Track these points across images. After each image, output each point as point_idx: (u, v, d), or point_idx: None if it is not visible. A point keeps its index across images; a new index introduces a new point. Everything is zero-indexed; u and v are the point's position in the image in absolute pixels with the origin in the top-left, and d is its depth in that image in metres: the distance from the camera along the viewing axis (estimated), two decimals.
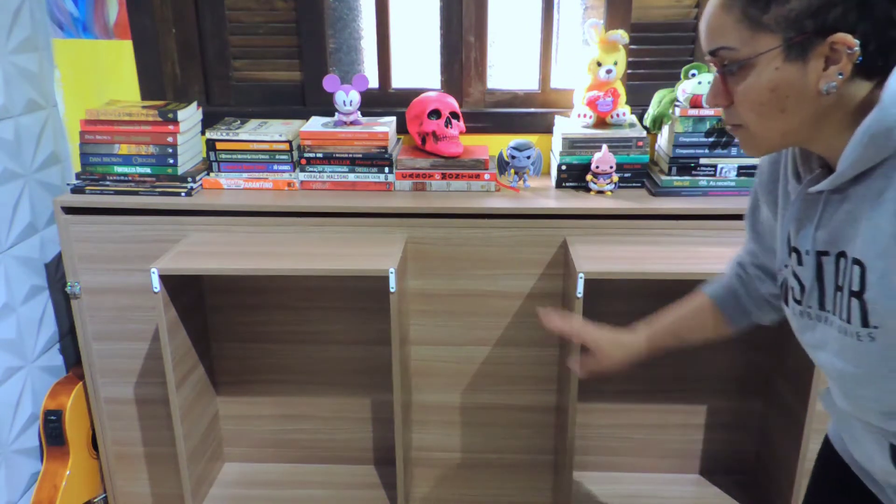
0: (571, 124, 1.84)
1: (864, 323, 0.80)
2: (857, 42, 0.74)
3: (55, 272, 1.92)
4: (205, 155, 1.89)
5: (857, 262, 0.79)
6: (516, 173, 1.82)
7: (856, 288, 0.80)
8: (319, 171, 1.82)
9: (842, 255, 0.82)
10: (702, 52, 0.85)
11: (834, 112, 0.78)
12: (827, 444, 1.08)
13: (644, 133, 1.80)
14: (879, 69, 0.76)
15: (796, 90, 0.77)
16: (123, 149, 1.77)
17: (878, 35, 0.74)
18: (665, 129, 1.81)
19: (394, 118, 1.91)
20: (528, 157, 1.80)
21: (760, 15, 0.76)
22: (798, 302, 0.91)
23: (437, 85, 1.99)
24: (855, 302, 0.80)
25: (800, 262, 0.89)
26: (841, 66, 0.75)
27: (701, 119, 1.72)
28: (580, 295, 1.56)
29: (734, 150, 1.74)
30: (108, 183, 1.78)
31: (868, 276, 0.78)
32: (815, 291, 0.87)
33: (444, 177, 1.81)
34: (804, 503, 1.13)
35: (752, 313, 1.16)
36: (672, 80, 1.80)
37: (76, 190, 1.78)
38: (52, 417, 1.83)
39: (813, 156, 0.88)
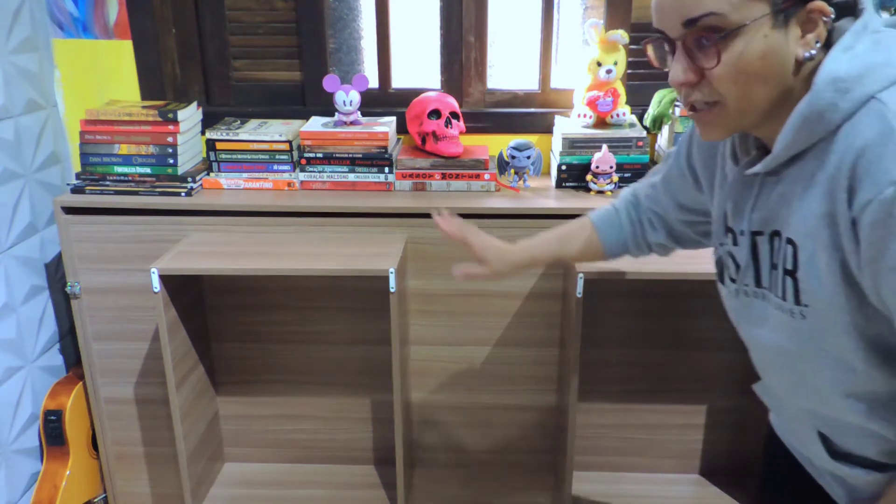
0: (571, 124, 1.84)
1: (797, 301, 0.83)
2: (832, 10, 0.76)
3: (55, 272, 1.92)
4: (205, 155, 1.89)
5: (790, 241, 0.82)
6: (516, 173, 1.82)
7: (789, 266, 0.83)
8: (319, 171, 1.82)
9: (776, 234, 0.85)
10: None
11: (798, 85, 0.79)
12: (771, 431, 1.11)
13: (644, 133, 1.80)
14: (831, 43, 0.78)
15: (780, 58, 0.77)
16: (123, 149, 1.77)
17: (842, 5, 0.78)
18: (665, 129, 1.81)
19: (394, 118, 1.91)
20: (528, 157, 1.80)
21: None
22: (734, 280, 0.94)
23: (437, 85, 1.99)
24: (789, 280, 0.83)
25: (735, 243, 0.92)
26: (817, 33, 0.77)
27: None
28: (580, 295, 1.56)
29: None
30: (108, 183, 1.78)
31: (799, 256, 0.81)
32: (751, 270, 0.90)
33: (444, 177, 1.81)
34: (760, 489, 1.16)
35: (630, 250, 1.23)
36: None
37: (76, 190, 1.78)
38: (52, 417, 1.83)
39: (750, 138, 0.90)
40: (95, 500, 1.98)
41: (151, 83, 1.92)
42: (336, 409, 1.98)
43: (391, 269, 1.55)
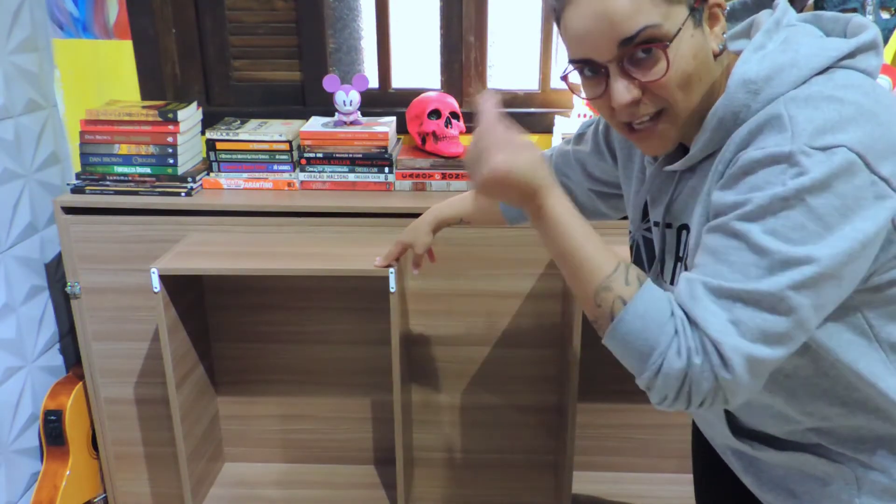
0: (571, 124, 1.84)
1: None
2: (726, 3, 0.80)
3: (55, 272, 1.92)
4: (205, 155, 1.88)
5: (690, 231, 0.85)
6: None
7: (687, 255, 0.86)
8: (319, 171, 1.82)
9: (684, 227, 0.88)
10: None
11: (718, 84, 0.83)
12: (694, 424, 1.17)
13: None
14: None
15: (706, 55, 0.80)
16: (123, 149, 1.77)
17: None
18: None
19: (394, 118, 1.91)
20: None
21: None
22: (648, 267, 0.98)
23: (437, 85, 1.99)
24: (683, 269, 0.87)
25: (650, 232, 0.96)
26: (721, 25, 0.81)
27: None
28: None
29: None
30: (108, 183, 1.78)
31: (689, 241, 0.84)
32: (659, 261, 0.94)
33: (444, 177, 1.81)
34: (694, 470, 1.22)
35: (528, 219, 1.25)
36: None
37: (76, 190, 1.78)
38: (52, 417, 1.83)
39: None
40: (95, 500, 1.98)
41: (151, 83, 1.92)
42: (336, 409, 1.98)
43: (391, 269, 1.55)
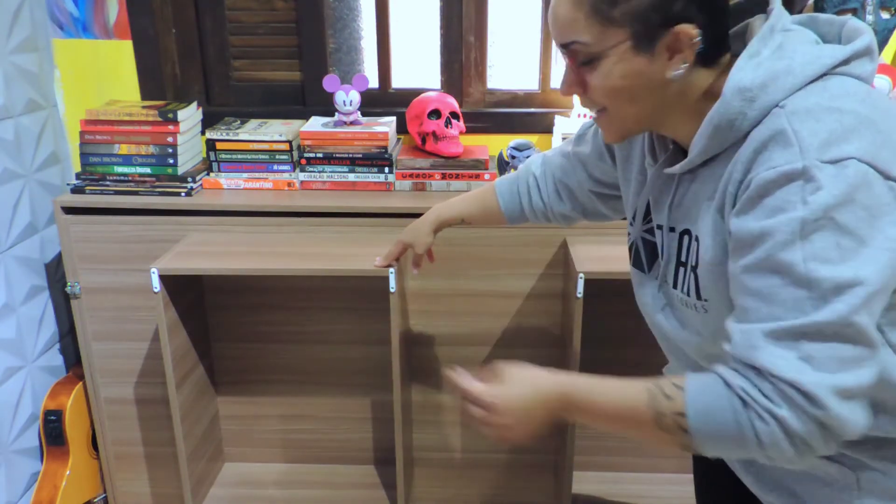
0: (571, 124, 1.84)
1: (698, 296, 0.86)
2: (699, 32, 0.78)
3: (55, 272, 1.92)
4: (205, 155, 1.89)
5: (696, 238, 0.86)
6: None
7: (693, 263, 0.87)
8: (319, 171, 1.82)
9: (686, 232, 0.89)
10: None
11: (680, 100, 0.83)
12: None
13: None
14: (717, 58, 0.82)
15: (644, 79, 0.81)
16: (123, 149, 1.77)
17: (715, 25, 0.80)
18: None
19: (394, 118, 1.91)
20: (528, 157, 1.80)
21: (609, 10, 0.79)
22: (648, 268, 0.98)
23: (437, 85, 1.99)
24: (692, 276, 0.87)
25: (652, 234, 0.96)
26: (684, 55, 0.80)
27: None
28: (580, 295, 1.56)
29: None
30: (108, 183, 1.78)
31: (700, 252, 0.85)
32: (662, 263, 0.94)
33: (444, 177, 1.81)
34: (694, 470, 1.23)
35: (528, 218, 1.28)
36: None
37: (76, 190, 1.78)
38: (52, 417, 1.83)
39: (667, 136, 0.93)
40: (95, 500, 1.98)
41: (151, 83, 1.92)
42: (336, 409, 1.98)
43: (391, 269, 1.55)
